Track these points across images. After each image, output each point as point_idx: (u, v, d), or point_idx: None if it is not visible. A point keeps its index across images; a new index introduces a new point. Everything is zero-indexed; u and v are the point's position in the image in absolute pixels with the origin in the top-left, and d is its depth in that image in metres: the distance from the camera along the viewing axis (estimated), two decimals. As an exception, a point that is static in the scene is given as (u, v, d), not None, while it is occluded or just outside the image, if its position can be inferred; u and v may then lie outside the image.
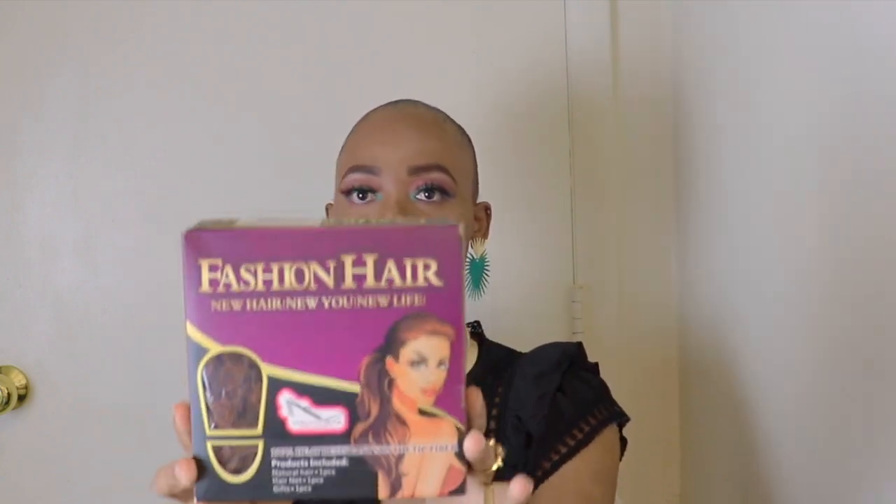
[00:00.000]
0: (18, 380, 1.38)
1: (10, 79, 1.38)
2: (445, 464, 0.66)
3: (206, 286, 0.65)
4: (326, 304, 0.65)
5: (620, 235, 1.46)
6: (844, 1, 0.99)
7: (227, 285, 0.65)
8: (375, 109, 1.12)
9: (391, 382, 0.65)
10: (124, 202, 1.44)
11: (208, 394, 0.65)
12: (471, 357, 1.13)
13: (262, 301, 0.65)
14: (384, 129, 1.06)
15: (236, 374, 0.65)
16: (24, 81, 1.39)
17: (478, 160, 1.14)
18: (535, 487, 1.03)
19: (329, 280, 0.65)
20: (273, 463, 0.66)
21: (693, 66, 1.39)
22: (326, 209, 1.18)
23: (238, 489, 0.66)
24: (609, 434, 1.07)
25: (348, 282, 0.65)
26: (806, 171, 1.08)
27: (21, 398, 1.38)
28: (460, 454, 0.66)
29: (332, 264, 0.65)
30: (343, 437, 0.66)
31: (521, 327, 1.40)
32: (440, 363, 0.65)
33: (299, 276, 0.65)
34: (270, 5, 1.43)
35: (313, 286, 0.65)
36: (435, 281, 0.65)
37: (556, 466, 1.04)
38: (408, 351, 0.65)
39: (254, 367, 0.65)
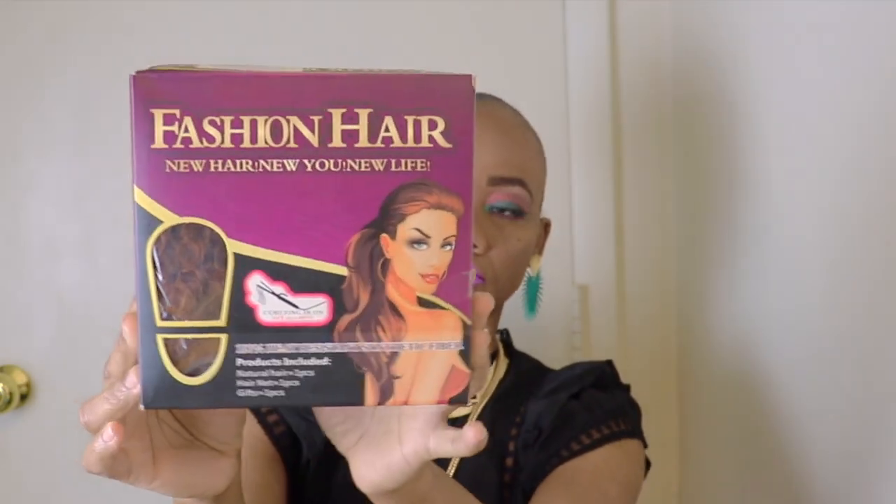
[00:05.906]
0: (20, 379, 1.39)
1: (11, 79, 1.38)
2: (447, 365, 0.55)
3: (159, 141, 0.52)
4: (309, 167, 0.53)
5: (620, 235, 1.45)
6: (845, 1, 0.99)
7: (187, 140, 0.52)
8: None
9: (386, 265, 0.54)
10: (126, 202, 1.33)
11: (159, 275, 0.53)
12: (501, 369, 1.03)
13: (229, 161, 0.53)
14: None
15: (195, 251, 0.53)
16: (26, 82, 1.38)
17: None
18: (542, 479, 0.94)
19: (313, 138, 0.53)
20: (238, 361, 0.54)
21: (693, 65, 1.39)
22: None
23: (194, 393, 0.54)
24: (633, 445, 0.99)
25: (336, 140, 0.53)
26: (806, 171, 1.08)
27: (23, 397, 1.39)
28: (465, 354, 0.55)
29: (316, 119, 0.53)
30: (325, 331, 0.54)
31: (521, 327, 1.37)
32: (445, 243, 0.54)
33: (276, 131, 0.53)
34: (270, 9, 1.40)
35: (293, 144, 0.53)
36: (442, 142, 0.54)
37: (567, 458, 0.94)
38: (407, 227, 0.54)
39: (217, 243, 0.53)
